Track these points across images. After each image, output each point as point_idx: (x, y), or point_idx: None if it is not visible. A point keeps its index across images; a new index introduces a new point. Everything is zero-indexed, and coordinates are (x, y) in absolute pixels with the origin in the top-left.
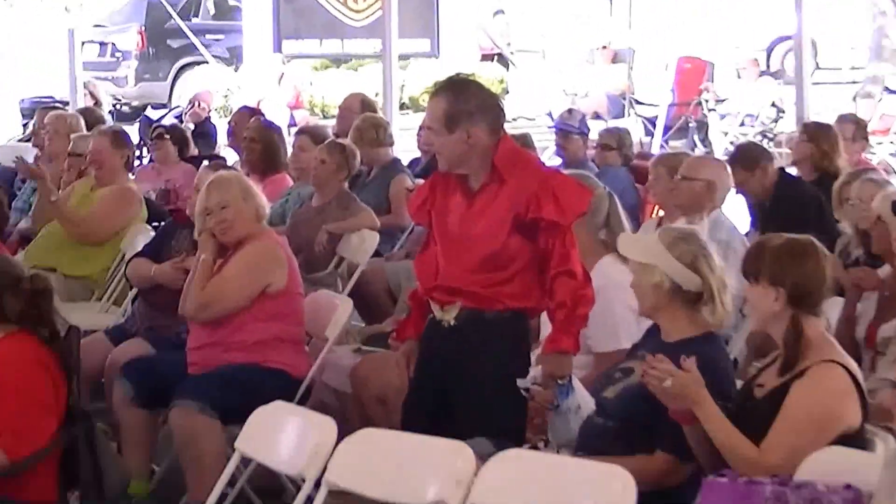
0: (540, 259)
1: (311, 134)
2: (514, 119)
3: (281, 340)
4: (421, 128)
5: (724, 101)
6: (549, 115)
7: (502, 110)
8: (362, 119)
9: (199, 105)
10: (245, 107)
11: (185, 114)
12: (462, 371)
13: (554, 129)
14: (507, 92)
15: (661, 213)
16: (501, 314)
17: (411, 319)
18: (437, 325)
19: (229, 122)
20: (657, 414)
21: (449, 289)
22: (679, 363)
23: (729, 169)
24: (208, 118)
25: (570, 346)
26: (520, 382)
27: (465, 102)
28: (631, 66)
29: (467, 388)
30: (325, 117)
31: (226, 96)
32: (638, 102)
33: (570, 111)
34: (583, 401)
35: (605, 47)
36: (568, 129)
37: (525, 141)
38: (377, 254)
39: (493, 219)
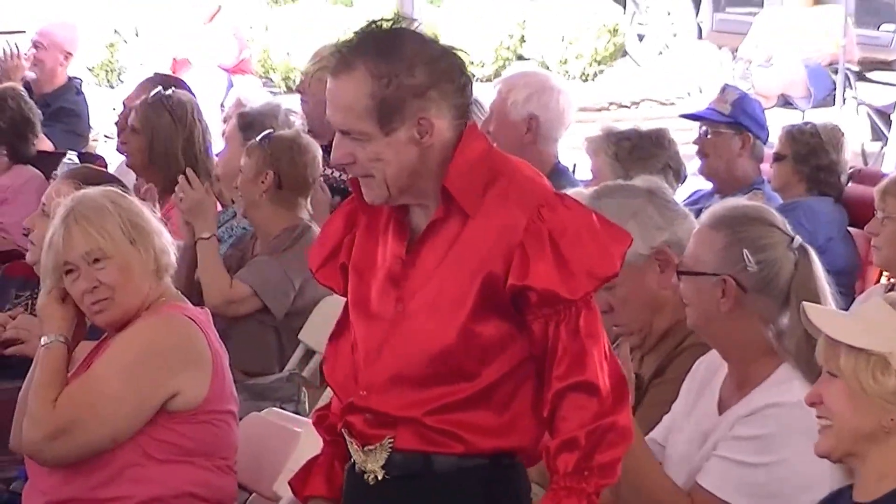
0: (537, 360)
1: (243, 118)
2: (635, 103)
3: (196, 499)
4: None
5: None
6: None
7: (469, 79)
8: None
9: (26, 51)
10: (158, 75)
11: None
12: None
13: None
14: (624, 54)
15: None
16: (468, 462)
17: (320, 463)
18: (359, 478)
19: (124, 102)
20: None
21: (373, 413)
22: None
23: None
24: (75, 83)
25: None
26: None
27: (405, 71)
28: (850, 11)
29: None
30: (290, 90)
31: (111, 45)
32: (862, 79)
33: (724, 90)
34: None
35: None
36: (711, 120)
37: (652, 142)
38: None
39: (448, 285)
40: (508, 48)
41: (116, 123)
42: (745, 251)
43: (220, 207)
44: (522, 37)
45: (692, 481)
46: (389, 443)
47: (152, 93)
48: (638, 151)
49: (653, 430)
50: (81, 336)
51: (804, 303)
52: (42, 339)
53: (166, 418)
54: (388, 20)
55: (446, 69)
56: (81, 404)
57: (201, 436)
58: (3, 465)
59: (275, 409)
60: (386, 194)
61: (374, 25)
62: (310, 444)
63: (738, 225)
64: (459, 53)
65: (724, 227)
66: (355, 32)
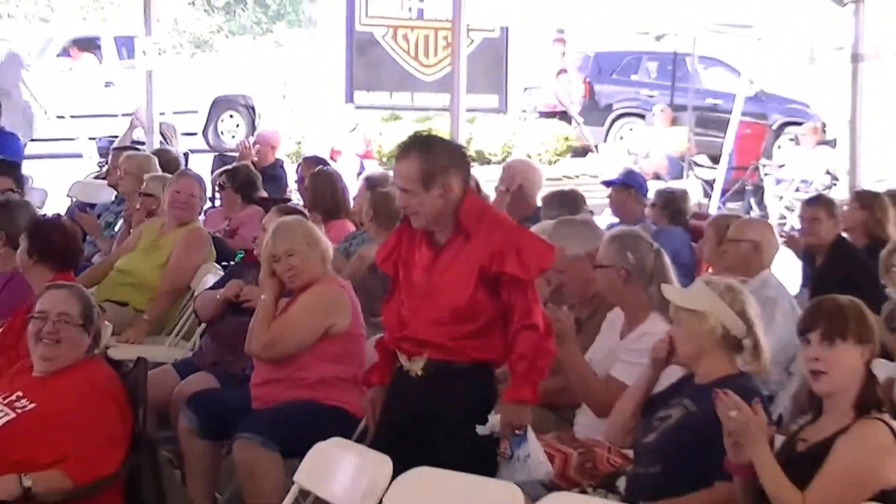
0: (504, 313)
1: (368, 180)
2: (578, 176)
3: (341, 380)
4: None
5: (782, 167)
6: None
7: (469, 162)
8: None
9: (252, 146)
10: (312, 156)
11: (242, 149)
12: (429, 418)
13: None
14: (572, 151)
15: (712, 270)
16: (467, 365)
17: (378, 366)
18: (405, 375)
19: (297, 170)
20: (707, 448)
21: (416, 341)
22: (716, 399)
23: (776, 230)
24: (279, 162)
25: (530, 396)
26: (479, 429)
27: (437, 158)
28: (692, 129)
29: (433, 434)
30: None
31: (299, 143)
32: (697, 165)
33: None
34: (533, 450)
35: (663, 110)
36: (614, 182)
37: (572, 197)
38: None
39: (459, 273)
40: (508, 146)
41: (296, 181)
42: (627, 252)
43: (354, 228)
44: (517, 140)
45: (605, 375)
46: (426, 355)
47: (316, 167)
48: (566, 204)
49: (586, 352)
50: (281, 294)
51: (662, 284)
52: (262, 296)
53: (326, 338)
54: (425, 131)
55: (459, 157)
56: (283, 330)
57: (346, 348)
58: (241, 362)
59: None
60: (424, 223)
61: (418, 133)
62: None
63: (623, 238)
64: (466, 149)
65: (616, 240)
66: (409, 136)
